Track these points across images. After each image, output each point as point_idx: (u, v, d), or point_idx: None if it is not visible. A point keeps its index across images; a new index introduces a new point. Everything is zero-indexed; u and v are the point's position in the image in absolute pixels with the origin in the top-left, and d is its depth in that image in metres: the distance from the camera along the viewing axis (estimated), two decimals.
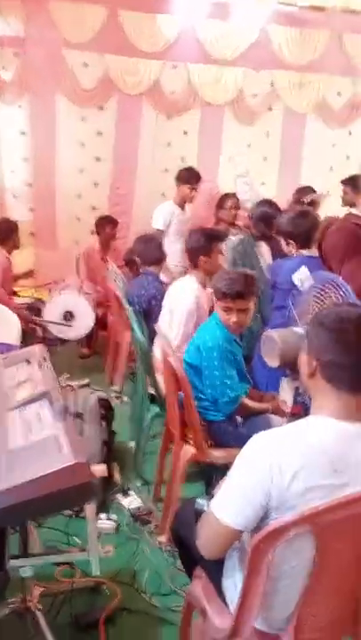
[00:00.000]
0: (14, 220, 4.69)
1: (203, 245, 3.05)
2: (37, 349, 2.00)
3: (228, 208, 5.21)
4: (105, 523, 2.60)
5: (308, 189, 5.02)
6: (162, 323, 3.17)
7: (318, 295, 1.96)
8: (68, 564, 2.26)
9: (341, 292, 1.88)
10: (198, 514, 1.53)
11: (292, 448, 1.28)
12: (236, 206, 5.22)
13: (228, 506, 1.32)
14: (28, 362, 1.88)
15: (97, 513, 2.61)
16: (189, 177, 4.83)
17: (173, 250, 4.49)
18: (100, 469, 1.99)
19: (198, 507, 1.61)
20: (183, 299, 3.04)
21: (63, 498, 1.19)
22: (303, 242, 2.94)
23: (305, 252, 2.92)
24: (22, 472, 1.18)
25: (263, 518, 1.30)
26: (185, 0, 5.62)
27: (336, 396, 1.33)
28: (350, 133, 6.40)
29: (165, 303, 3.23)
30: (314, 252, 2.91)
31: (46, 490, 1.14)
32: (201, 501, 1.62)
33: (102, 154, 6.02)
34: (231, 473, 1.35)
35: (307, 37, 5.93)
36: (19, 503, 1.12)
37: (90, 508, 1.75)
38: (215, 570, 1.58)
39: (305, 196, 4.64)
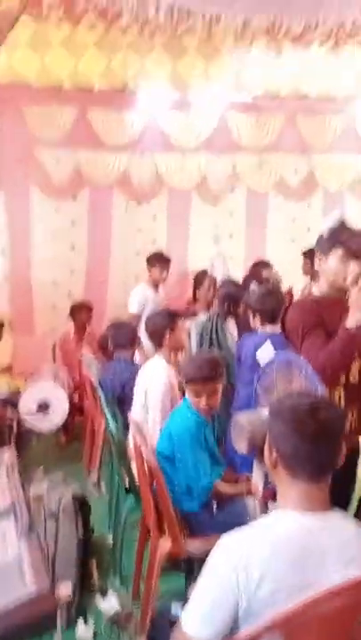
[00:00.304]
0: None
1: (165, 324, 3.13)
2: (6, 455, 1.94)
3: (206, 287, 5.26)
4: (82, 630, 2.43)
5: (263, 263, 5.25)
6: (135, 405, 3.14)
7: (283, 375, 1.96)
8: None
9: (303, 373, 1.89)
10: (173, 622, 1.45)
11: (256, 551, 1.23)
12: (214, 285, 5.29)
13: (197, 619, 1.25)
14: None
15: (74, 619, 2.47)
16: (158, 260, 5.05)
17: None
18: (64, 593, 1.81)
19: (172, 615, 1.53)
20: (157, 377, 3.05)
21: (24, 630, 1.11)
22: (269, 318, 3.08)
23: (269, 329, 3.04)
24: None
25: (233, 628, 1.23)
26: (149, 95, 6.01)
27: (296, 486, 1.30)
28: (309, 206, 6.69)
29: (138, 384, 3.21)
30: (278, 328, 3.01)
31: (7, 623, 1.06)
32: (175, 610, 1.54)
33: (77, 242, 6.22)
34: (199, 581, 1.29)
35: (263, 122, 6.32)
36: None
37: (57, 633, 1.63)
38: None
39: (261, 270, 4.89)
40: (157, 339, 3.16)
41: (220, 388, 2.53)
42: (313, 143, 6.47)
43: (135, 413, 3.08)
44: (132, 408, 3.15)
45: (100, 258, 6.28)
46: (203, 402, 2.47)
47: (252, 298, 3.35)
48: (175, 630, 1.33)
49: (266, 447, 1.40)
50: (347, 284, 2.11)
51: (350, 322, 2.04)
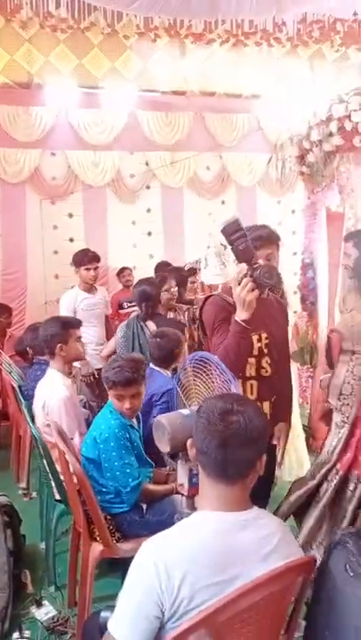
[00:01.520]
0: None
1: (58, 333, 2.98)
2: None
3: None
4: None
5: (164, 264, 5.20)
6: (37, 420, 2.98)
7: (197, 373, 2.01)
8: None
9: (219, 372, 1.94)
10: (103, 628, 1.47)
11: (176, 552, 1.27)
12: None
13: (123, 625, 1.28)
14: None
15: (9, 631, 2.43)
16: (82, 259, 4.51)
17: (86, 335, 4.02)
18: None
19: (102, 620, 1.54)
20: (54, 393, 2.88)
21: None
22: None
23: None
24: None
25: (159, 630, 1.26)
26: (57, 92, 5.89)
27: (214, 486, 1.34)
28: (223, 202, 6.84)
29: (36, 398, 3.00)
30: None
31: None
32: (105, 614, 1.56)
33: None
34: (125, 587, 1.32)
35: (172, 119, 6.38)
36: None
37: None
38: None
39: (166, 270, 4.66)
40: (49, 348, 3.00)
41: (142, 389, 2.54)
42: (222, 140, 6.62)
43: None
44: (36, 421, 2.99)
45: (15, 256, 6.12)
46: (126, 405, 2.47)
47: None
48: (105, 635, 1.35)
49: (189, 443, 1.44)
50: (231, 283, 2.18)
51: (237, 316, 2.11)
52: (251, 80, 6.35)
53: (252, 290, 2.01)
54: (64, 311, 4.45)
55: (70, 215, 6.31)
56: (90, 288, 4.49)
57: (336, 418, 2.52)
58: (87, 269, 4.39)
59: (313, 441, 4.21)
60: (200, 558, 1.26)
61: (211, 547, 1.28)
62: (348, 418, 2.46)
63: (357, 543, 1.37)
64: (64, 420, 2.80)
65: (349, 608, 1.35)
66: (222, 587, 1.25)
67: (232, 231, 2.00)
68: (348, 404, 2.48)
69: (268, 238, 2.36)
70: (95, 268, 4.44)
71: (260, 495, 2.22)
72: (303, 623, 1.63)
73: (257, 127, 6.61)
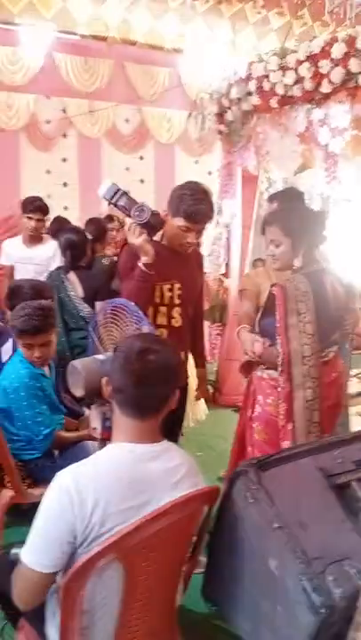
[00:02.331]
0: None
1: None
2: None
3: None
4: None
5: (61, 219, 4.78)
6: None
7: (112, 320, 2.04)
8: None
9: (134, 318, 1.98)
10: (12, 563, 1.50)
11: (89, 479, 1.32)
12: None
13: (36, 550, 1.32)
14: None
15: None
16: (26, 205, 3.96)
17: None
18: None
19: (12, 557, 1.56)
20: None
21: None
22: None
23: None
24: None
25: (72, 555, 1.31)
26: None
27: (126, 420, 1.40)
28: (142, 158, 6.77)
29: None
30: None
31: None
32: (14, 550, 1.58)
33: None
34: (37, 515, 1.35)
35: (92, 65, 6.17)
36: None
37: None
38: (37, 617, 1.55)
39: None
40: None
41: (53, 338, 2.50)
42: (142, 93, 6.50)
43: None
44: None
45: None
46: (35, 353, 2.42)
47: None
48: (17, 566, 1.39)
49: (104, 381, 1.48)
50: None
51: (140, 261, 2.19)
52: (173, 33, 6.23)
53: (140, 235, 2.14)
54: (3, 259, 4.11)
55: None
56: (31, 239, 3.98)
57: None
58: (28, 218, 3.90)
59: (219, 395, 4.40)
60: (112, 485, 1.32)
61: (122, 474, 1.34)
62: None
63: (257, 473, 1.48)
64: None
65: (246, 531, 1.47)
66: (132, 513, 1.31)
67: (112, 194, 2.15)
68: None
69: None
70: (38, 220, 3.90)
71: (173, 432, 2.33)
72: (204, 560, 1.75)
73: (178, 83, 6.54)
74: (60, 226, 4.13)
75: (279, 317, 2.08)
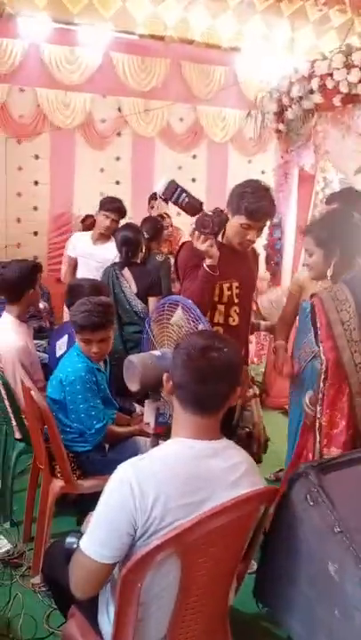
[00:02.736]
0: None
1: (29, 276, 2.91)
2: None
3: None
4: None
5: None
6: None
7: (168, 317, 2.06)
8: None
9: (191, 315, 1.98)
10: (69, 552, 1.51)
11: (151, 474, 1.32)
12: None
13: (96, 541, 1.33)
14: None
15: None
16: (105, 203, 3.99)
17: None
18: None
19: (68, 545, 1.58)
20: (10, 341, 2.82)
21: None
22: None
23: None
24: None
25: (132, 547, 1.32)
26: (30, 25, 5.60)
27: (187, 417, 1.40)
28: (195, 157, 6.76)
29: None
30: None
31: None
32: (70, 539, 1.59)
33: None
34: (98, 507, 1.36)
35: (148, 65, 6.19)
36: None
37: None
38: (89, 606, 1.57)
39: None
40: (15, 291, 2.88)
41: (111, 334, 2.53)
42: (198, 92, 6.50)
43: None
44: None
45: None
46: (93, 349, 2.45)
47: None
48: (75, 554, 1.40)
49: (165, 377, 1.48)
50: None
51: (205, 262, 2.18)
52: (230, 32, 6.20)
53: (205, 241, 2.12)
54: (70, 250, 4.17)
55: (36, 157, 6.09)
56: (99, 237, 3.99)
57: None
58: (105, 216, 3.90)
59: (266, 397, 4.35)
60: (173, 480, 1.32)
61: (183, 470, 1.34)
62: None
63: (318, 475, 1.45)
64: (18, 370, 2.77)
65: (305, 534, 1.44)
66: (192, 508, 1.31)
67: (171, 193, 2.12)
68: None
69: None
70: (113, 220, 3.90)
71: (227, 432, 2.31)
72: (255, 565, 1.73)
73: (234, 81, 6.51)
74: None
75: (320, 325, 2.03)
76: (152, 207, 5.09)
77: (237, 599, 1.69)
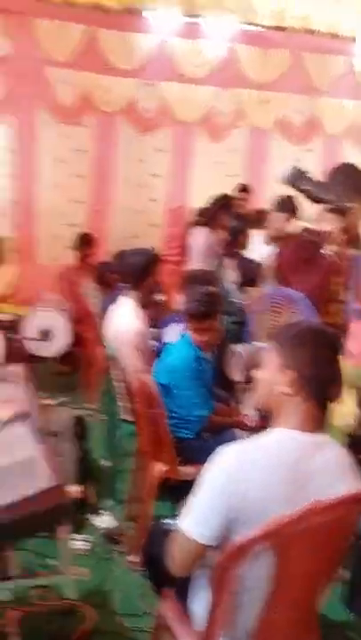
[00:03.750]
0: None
1: (149, 263, 3.01)
2: (19, 369, 2.01)
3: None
4: (78, 544, 2.58)
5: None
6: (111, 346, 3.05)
7: (275, 310, 2.02)
8: (44, 586, 2.24)
9: (301, 307, 1.93)
10: (167, 533, 1.54)
11: (250, 460, 1.31)
12: None
13: (195, 519, 1.34)
14: (10, 381, 1.89)
15: (71, 533, 2.60)
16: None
17: None
18: (74, 490, 1.97)
19: (166, 526, 1.62)
20: (128, 324, 2.94)
21: (40, 520, 1.20)
22: None
23: None
24: (2, 494, 1.18)
25: (228, 533, 1.31)
26: (159, 19, 5.73)
27: (304, 407, 1.37)
28: (311, 150, 6.55)
29: (107, 327, 3.10)
30: None
31: (24, 512, 1.14)
32: (170, 521, 1.63)
33: (82, 170, 6.09)
34: (197, 489, 1.37)
35: (271, 56, 6.08)
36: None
37: (63, 530, 1.73)
38: (184, 589, 1.59)
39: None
40: (135, 277, 3.01)
41: (218, 324, 2.54)
42: (318, 83, 6.28)
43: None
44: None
45: (103, 188, 6.17)
46: (202, 338, 2.50)
47: None
48: (172, 537, 1.42)
49: (275, 370, 1.43)
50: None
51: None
52: (351, 20, 5.90)
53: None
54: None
55: (158, 150, 6.25)
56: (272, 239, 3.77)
57: None
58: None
59: None
60: (274, 469, 1.30)
61: (285, 462, 1.31)
62: None
63: None
64: (132, 353, 2.86)
65: None
66: (293, 503, 1.27)
67: (295, 178, 2.04)
68: None
69: None
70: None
71: None
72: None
73: (350, 71, 6.20)
74: None
75: None
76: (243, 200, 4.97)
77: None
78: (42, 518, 1.23)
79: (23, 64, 5.62)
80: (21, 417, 1.61)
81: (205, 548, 1.35)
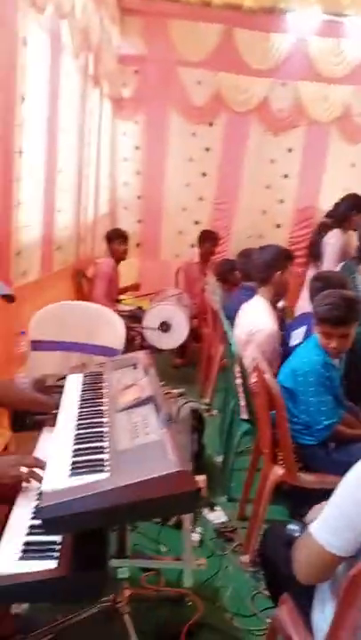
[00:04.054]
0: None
1: (278, 260, 2.98)
2: (143, 355, 2.06)
3: None
4: (191, 535, 2.61)
5: None
6: (238, 344, 3.05)
7: None
8: (154, 570, 2.30)
9: None
10: (290, 539, 1.52)
11: None
12: None
13: (331, 531, 1.30)
14: (135, 367, 1.95)
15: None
16: None
17: None
18: (201, 480, 1.98)
19: (289, 532, 1.59)
20: (261, 322, 2.94)
21: (166, 504, 1.21)
22: None
23: None
24: (129, 473, 1.22)
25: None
26: (298, 18, 5.64)
27: None
28: None
29: (238, 325, 3.12)
30: None
31: (151, 494, 1.17)
32: (293, 527, 1.60)
33: (208, 169, 6.17)
34: (334, 499, 1.33)
35: None
36: (125, 504, 1.16)
37: (187, 519, 1.77)
38: (304, 598, 1.55)
39: None
40: (263, 275, 3.00)
41: (353, 331, 2.44)
42: None
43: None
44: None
45: (229, 187, 6.21)
46: (332, 344, 2.40)
47: None
48: (304, 538, 1.40)
49: None
50: None
51: None
52: None
53: None
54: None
55: (290, 150, 6.16)
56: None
57: None
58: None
59: None
60: None
61: None
62: None
63: None
64: (259, 353, 2.81)
65: None
66: None
67: None
68: None
69: None
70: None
71: None
72: None
73: None
74: None
75: None
76: None
77: None
78: (169, 503, 1.24)
79: (157, 64, 5.82)
80: (146, 401, 1.64)
81: (337, 558, 1.31)
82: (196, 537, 2.61)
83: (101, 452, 1.39)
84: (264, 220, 6.29)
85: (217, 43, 5.74)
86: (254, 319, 2.97)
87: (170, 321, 4.56)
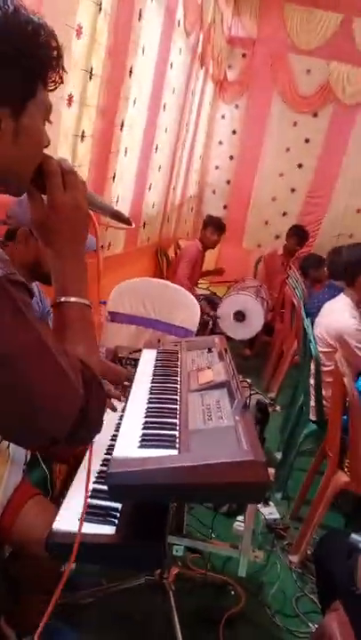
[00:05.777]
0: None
1: None
2: (219, 340, 2.04)
3: None
4: (241, 525, 2.59)
5: None
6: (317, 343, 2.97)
7: None
8: (199, 553, 2.30)
9: None
10: (351, 548, 1.47)
11: None
12: None
13: None
14: (210, 350, 1.93)
15: (237, 514, 2.64)
16: None
17: None
18: (271, 473, 1.94)
19: (353, 541, 1.54)
20: (343, 321, 2.84)
21: (235, 491, 1.19)
22: None
23: None
24: (200, 454, 1.20)
25: None
26: None
27: None
28: None
29: (319, 324, 3.03)
30: None
31: (221, 479, 1.15)
32: (357, 537, 1.55)
33: (306, 161, 6.01)
34: None
35: None
36: (193, 483, 1.15)
37: (251, 508, 1.75)
38: (358, 610, 1.50)
39: None
40: (351, 274, 2.89)
41: None
42: None
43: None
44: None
45: (325, 180, 6.03)
46: None
47: None
48: None
49: None
50: None
51: None
52: None
53: None
54: None
55: None
56: None
57: None
58: None
59: None
60: None
61: None
62: None
63: None
64: (339, 354, 2.74)
65: None
66: None
67: None
68: None
69: None
70: None
71: None
72: None
73: None
74: None
75: None
76: None
77: None
78: (236, 490, 1.21)
79: (266, 48, 5.68)
80: (221, 385, 1.61)
81: None
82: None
83: (172, 429, 1.38)
84: (357, 220, 6.07)
85: (333, 31, 5.54)
86: (335, 319, 2.88)
87: (246, 311, 4.50)
